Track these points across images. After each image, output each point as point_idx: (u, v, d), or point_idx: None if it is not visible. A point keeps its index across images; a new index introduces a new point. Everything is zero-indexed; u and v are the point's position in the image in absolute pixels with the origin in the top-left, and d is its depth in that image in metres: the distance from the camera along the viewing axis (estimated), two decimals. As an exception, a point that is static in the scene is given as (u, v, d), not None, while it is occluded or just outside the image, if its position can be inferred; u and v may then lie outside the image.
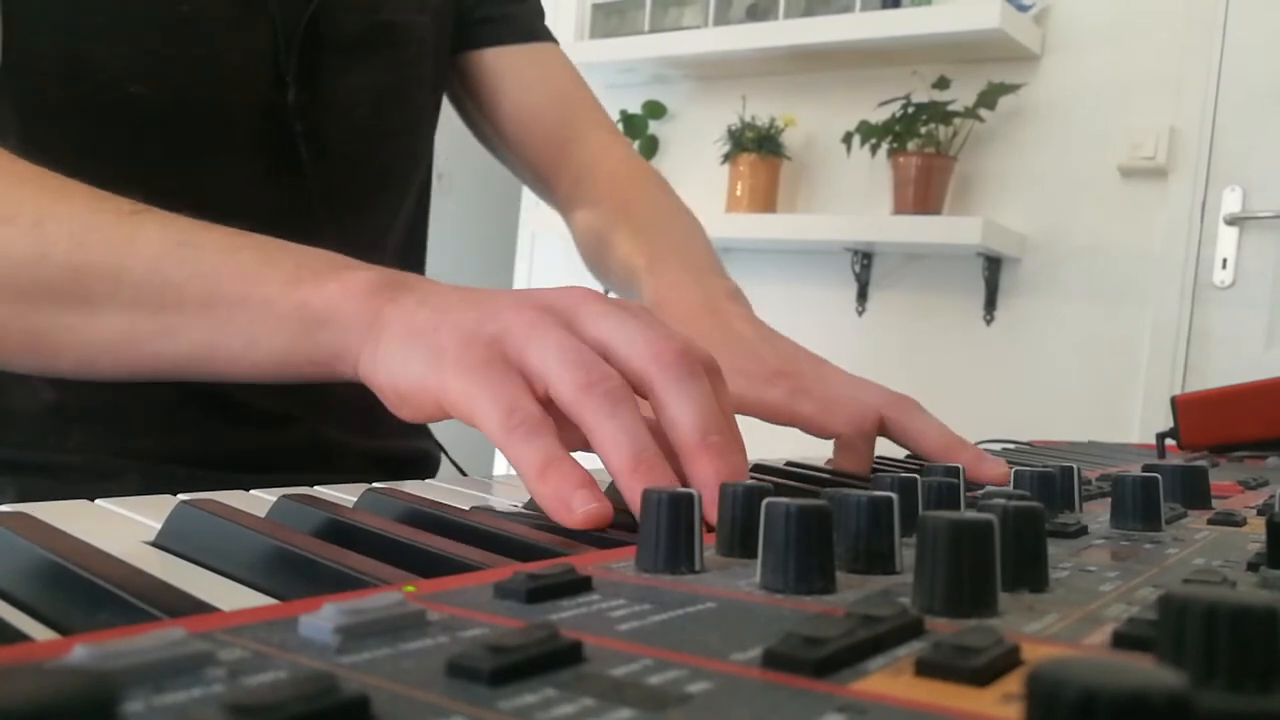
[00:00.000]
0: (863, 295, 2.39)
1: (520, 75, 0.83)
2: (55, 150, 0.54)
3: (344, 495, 0.42)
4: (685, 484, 0.38)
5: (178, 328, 0.48)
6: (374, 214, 0.78)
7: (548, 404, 0.40)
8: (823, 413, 0.58)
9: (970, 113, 2.14)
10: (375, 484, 0.42)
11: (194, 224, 0.49)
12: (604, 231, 0.80)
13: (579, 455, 0.40)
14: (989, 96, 2.12)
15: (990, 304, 2.22)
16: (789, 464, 0.60)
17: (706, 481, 0.38)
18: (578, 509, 0.36)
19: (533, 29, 0.85)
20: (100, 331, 0.49)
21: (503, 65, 0.82)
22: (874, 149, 2.24)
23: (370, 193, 0.77)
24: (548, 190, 0.86)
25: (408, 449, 0.83)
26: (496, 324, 0.41)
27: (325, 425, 0.75)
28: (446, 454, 0.87)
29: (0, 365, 0.52)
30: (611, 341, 0.42)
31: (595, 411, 0.39)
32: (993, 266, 2.20)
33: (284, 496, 0.37)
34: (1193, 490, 0.44)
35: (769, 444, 0.58)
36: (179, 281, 0.47)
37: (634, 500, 0.37)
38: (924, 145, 2.18)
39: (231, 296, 0.47)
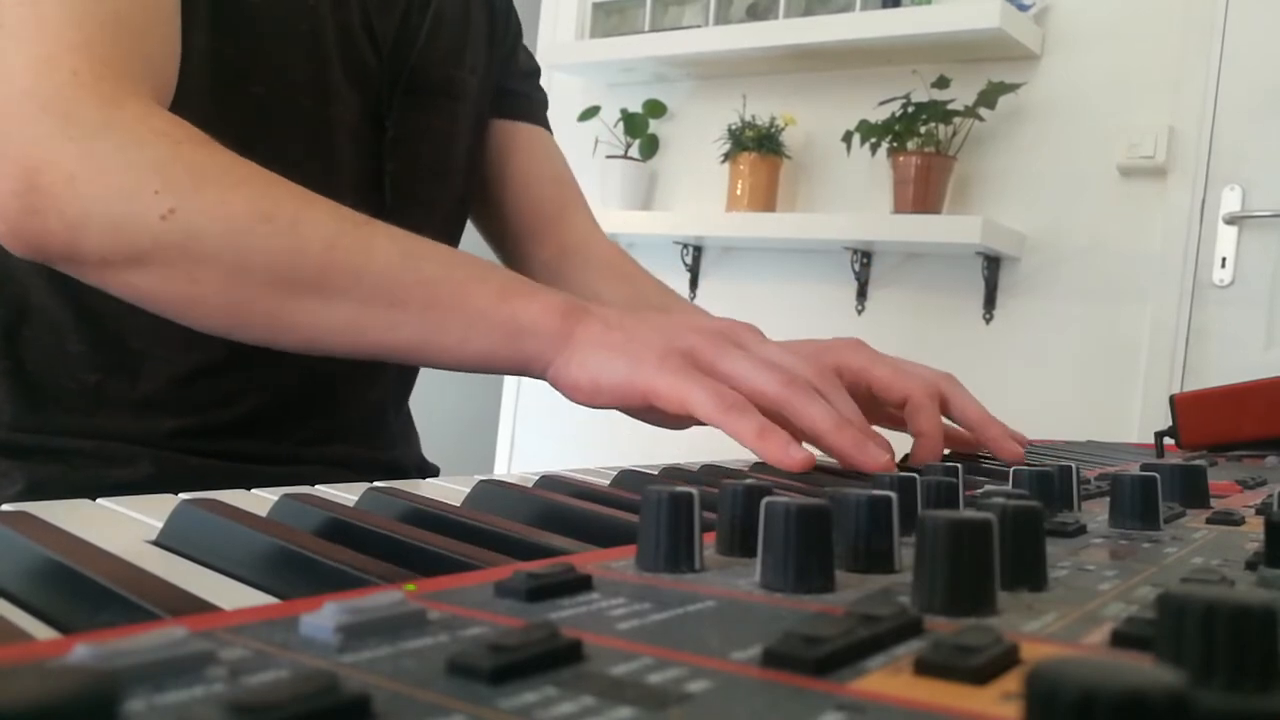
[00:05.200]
0: (862, 294, 2.39)
1: (530, 149, 0.95)
2: None
3: (345, 494, 0.42)
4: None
5: (400, 323, 0.56)
6: None
7: None
8: (896, 376, 0.69)
9: (970, 112, 2.14)
10: (376, 483, 0.42)
11: (411, 237, 0.59)
12: (611, 289, 0.92)
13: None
14: (989, 96, 2.12)
15: (989, 303, 2.22)
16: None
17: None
18: (795, 455, 0.50)
19: (545, 116, 0.98)
20: (334, 318, 0.57)
21: (518, 137, 0.94)
22: (874, 148, 2.24)
23: (423, 231, 0.82)
24: (525, 251, 0.96)
25: (411, 459, 0.89)
26: (685, 343, 0.55)
27: (334, 436, 0.81)
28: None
29: (234, 337, 0.59)
30: (781, 361, 0.56)
31: (798, 398, 0.53)
32: (992, 265, 2.20)
33: (285, 496, 0.37)
34: (1191, 489, 0.44)
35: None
36: (407, 285, 0.56)
37: (847, 451, 0.53)
38: (924, 144, 2.18)
39: (449, 303, 0.57)
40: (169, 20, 0.64)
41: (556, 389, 0.58)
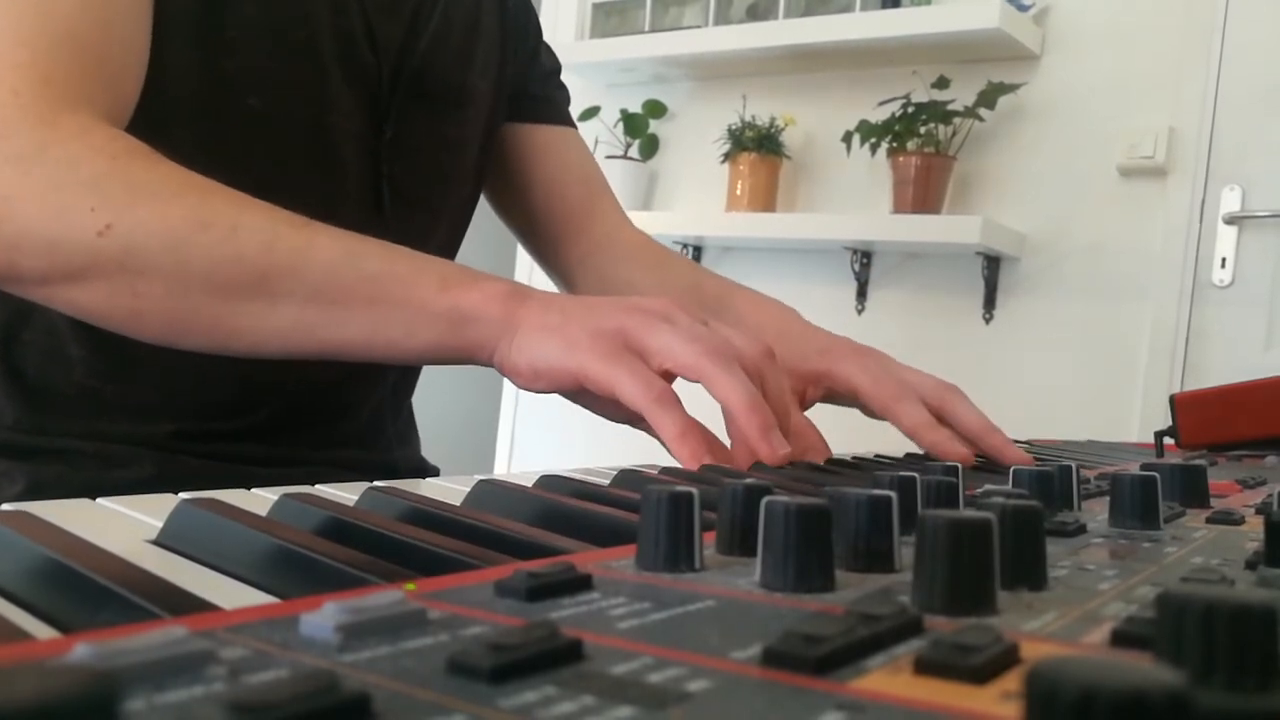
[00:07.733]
0: (862, 294, 2.39)
1: (557, 152, 0.96)
2: (175, 151, 0.58)
3: (345, 494, 0.42)
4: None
5: (346, 320, 0.57)
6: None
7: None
8: (875, 383, 0.69)
9: (970, 112, 2.14)
10: (376, 483, 0.42)
11: (352, 235, 0.58)
12: (642, 275, 0.93)
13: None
14: (989, 96, 2.12)
15: (989, 303, 2.22)
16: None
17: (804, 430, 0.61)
18: (706, 462, 0.50)
19: (568, 116, 0.99)
20: (278, 320, 0.57)
21: (542, 140, 0.95)
22: (874, 148, 2.24)
23: (430, 235, 0.84)
24: (558, 249, 0.97)
25: (409, 461, 0.89)
26: (616, 322, 0.54)
27: (333, 441, 0.81)
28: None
29: (180, 346, 0.59)
30: (708, 334, 0.55)
31: (713, 367, 0.52)
32: (992, 265, 2.20)
33: (285, 495, 0.37)
34: (1191, 489, 0.44)
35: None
36: (349, 283, 0.56)
37: (750, 434, 0.52)
38: (923, 145, 2.18)
39: (393, 297, 0.57)
40: (131, 38, 0.63)
41: (503, 375, 0.58)
